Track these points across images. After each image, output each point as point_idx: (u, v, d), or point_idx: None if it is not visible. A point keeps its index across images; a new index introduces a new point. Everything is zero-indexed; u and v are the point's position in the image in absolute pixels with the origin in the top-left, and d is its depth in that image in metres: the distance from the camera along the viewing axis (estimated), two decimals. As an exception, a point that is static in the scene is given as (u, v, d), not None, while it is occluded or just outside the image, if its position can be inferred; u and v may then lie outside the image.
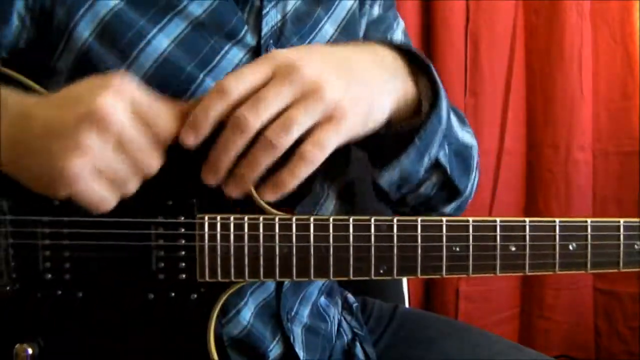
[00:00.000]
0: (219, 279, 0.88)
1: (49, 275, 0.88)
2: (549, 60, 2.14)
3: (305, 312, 1.08)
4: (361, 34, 1.13)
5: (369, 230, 0.88)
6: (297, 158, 0.75)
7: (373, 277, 0.89)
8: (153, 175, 0.78)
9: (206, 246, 0.88)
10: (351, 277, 0.89)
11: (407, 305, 1.52)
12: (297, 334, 1.05)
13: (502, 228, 0.90)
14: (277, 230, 0.87)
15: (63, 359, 0.90)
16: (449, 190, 1.01)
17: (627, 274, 2.09)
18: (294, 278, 0.88)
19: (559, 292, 2.18)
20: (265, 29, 0.99)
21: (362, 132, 0.81)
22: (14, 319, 0.88)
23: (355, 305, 1.23)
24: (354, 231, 0.88)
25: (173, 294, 0.89)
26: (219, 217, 0.87)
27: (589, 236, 0.92)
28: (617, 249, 0.93)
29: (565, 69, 2.12)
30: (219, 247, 0.88)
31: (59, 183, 0.73)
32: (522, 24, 2.16)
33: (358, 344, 1.15)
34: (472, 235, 0.89)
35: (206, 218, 0.87)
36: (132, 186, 0.77)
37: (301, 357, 1.04)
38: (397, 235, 0.89)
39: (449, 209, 1.05)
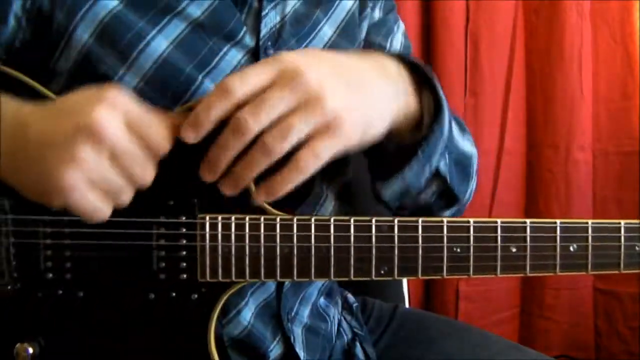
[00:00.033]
0: (220, 279, 0.88)
1: (50, 275, 0.88)
2: (549, 60, 2.14)
3: (305, 312, 1.08)
4: (362, 36, 1.13)
5: (370, 231, 0.88)
6: (291, 165, 0.76)
7: (374, 278, 0.89)
8: (147, 185, 0.78)
9: (207, 246, 0.88)
10: (352, 278, 0.89)
11: (407, 305, 1.52)
12: (298, 334, 1.05)
13: (503, 229, 0.90)
14: (278, 230, 0.87)
15: (64, 359, 0.90)
16: (448, 197, 1.01)
17: (627, 274, 2.10)
18: (295, 278, 0.88)
19: (559, 292, 2.18)
20: (264, 31, 1.00)
21: (359, 144, 0.81)
22: (14, 319, 0.89)
23: (355, 305, 1.23)
24: (355, 232, 0.88)
25: (174, 294, 0.89)
26: (220, 217, 0.87)
27: (590, 237, 0.92)
28: (618, 250, 0.93)
29: (565, 69, 2.12)
30: (220, 247, 0.88)
31: (54, 193, 0.74)
32: (522, 24, 2.16)
33: (358, 344, 1.15)
34: (473, 236, 0.90)
35: (207, 218, 0.87)
36: (127, 197, 0.78)
37: (302, 357, 1.04)
38: (398, 236, 0.89)
39: (447, 213, 1.06)
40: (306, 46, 1.04)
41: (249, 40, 0.98)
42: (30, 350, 0.87)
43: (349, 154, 0.83)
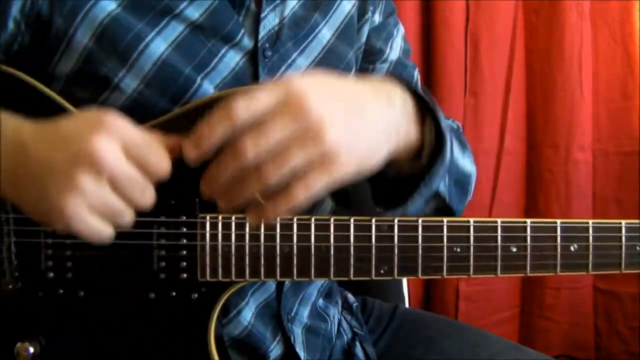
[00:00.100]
0: (220, 278, 0.88)
1: (51, 274, 0.88)
2: (549, 60, 2.14)
3: (305, 312, 1.09)
4: (363, 41, 1.13)
5: (370, 231, 0.88)
6: (283, 194, 0.75)
7: (374, 278, 0.89)
8: (148, 207, 0.79)
9: (207, 245, 0.88)
10: (352, 277, 0.89)
11: (407, 305, 1.52)
12: (298, 334, 1.06)
13: (503, 229, 0.90)
14: (278, 230, 0.87)
15: (64, 358, 0.90)
16: (445, 212, 1.02)
17: (628, 274, 2.10)
18: (295, 278, 0.89)
19: (559, 292, 2.18)
20: (262, 33, 1.00)
21: (354, 176, 0.80)
22: (15, 318, 0.89)
23: (355, 305, 1.23)
24: (354, 231, 0.88)
25: (174, 294, 0.89)
26: (220, 217, 0.87)
27: (591, 237, 0.92)
28: (619, 250, 0.93)
29: (565, 69, 2.11)
30: (220, 247, 0.88)
31: (56, 220, 0.75)
32: (522, 24, 2.16)
33: (358, 344, 1.15)
34: (473, 236, 0.90)
35: (208, 217, 0.87)
36: (128, 219, 0.78)
37: (302, 357, 1.04)
38: (398, 236, 0.89)
39: None
40: (304, 49, 1.05)
41: (247, 42, 0.99)
42: (31, 350, 0.88)
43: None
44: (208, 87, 0.95)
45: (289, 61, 1.03)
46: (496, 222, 0.90)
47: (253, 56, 0.99)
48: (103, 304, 0.89)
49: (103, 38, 0.91)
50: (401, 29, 1.21)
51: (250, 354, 1.01)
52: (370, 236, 0.89)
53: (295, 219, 0.87)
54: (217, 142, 0.74)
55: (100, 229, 0.76)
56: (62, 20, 0.90)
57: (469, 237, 0.90)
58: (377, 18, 1.15)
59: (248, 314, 0.99)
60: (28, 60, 0.92)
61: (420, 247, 0.89)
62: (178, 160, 0.79)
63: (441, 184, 0.96)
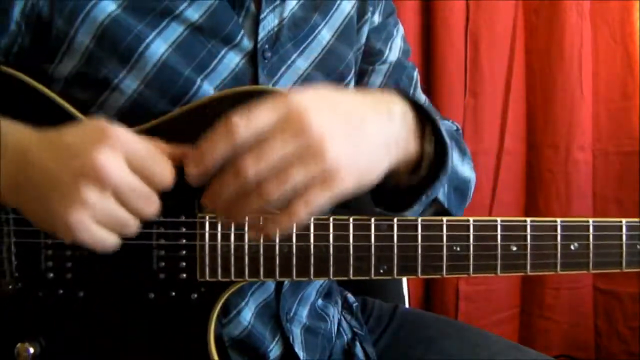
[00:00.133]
0: (220, 278, 0.89)
1: (51, 275, 0.89)
2: (549, 60, 2.14)
3: (304, 312, 1.09)
4: (363, 41, 1.13)
5: (369, 230, 0.88)
6: (284, 211, 0.76)
7: (373, 277, 0.89)
8: (154, 216, 0.79)
9: (207, 245, 0.88)
10: (351, 277, 0.89)
11: (407, 305, 1.52)
12: (297, 334, 1.06)
13: (503, 228, 0.90)
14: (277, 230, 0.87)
15: (64, 358, 0.90)
16: (444, 215, 1.01)
17: (628, 273, 2.10)
18: (294, 278, 0.89)
19: (559, 292, 2.18)
20: (261, 34, 1.00)
21: (354, 190, 0.80)
22: (15, 318, 0.89)
23: (355, 305, 1.23)
24: (354, 231, 0.88)
25: (173, 294, 0.89)
26: (219, 217, 0.87)
27: (591, 236, 0.92)
28: (620, 249, 0.94)
29: (565, 69, 2.11)
30: (219, 247, 0.88)
31: (62, 231, 0.75)
32: (522, 24, 2.16)
33: (358, 344, 1.15)
34: (473, 235, 0.90)
35: (207, 217, 0.87)
36: (133, 228, 0.79)
37: (301, 357, 1.04)
38: (397, 235, 0.89)
39: None
40: (304, 50, 1.05)
41: (247, 43, 0.99)
42: (31, 350, 0.88)
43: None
44: (208, 88, 0.95)
45: (289, 62, 1.03)
46: (496, 221, 0.90)
47: (253, 57, 0.99)
48: (103, 304, 0.89)
49: (103, 39, 0.91)
50: (401, 29, 1.21)
51: (250, 354, 1.01)
52: (370, 235, 0.89)
53: (294, 219, 0.87)
54: (218, 160, 0.73)
55: (105, 239, 0.77)
56: (63, 21, 0.90)
57: (468, 236, 0.90)
58: (376, 18, 1.15)
59: (248, 314, 0.99)
60: (28, 61, 0.92)
61: (419, 247, 0.89)
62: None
63: (440, 191, 0.96)
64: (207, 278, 0.88)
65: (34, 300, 0.89)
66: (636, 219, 0.94)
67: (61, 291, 0.89)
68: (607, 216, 0.95)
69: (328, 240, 0.88)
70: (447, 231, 0.89)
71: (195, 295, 0.90)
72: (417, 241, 0.89)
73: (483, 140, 2.12)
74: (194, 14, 0.95)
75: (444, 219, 0.90)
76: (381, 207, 0.93)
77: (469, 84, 2.11)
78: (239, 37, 0.98)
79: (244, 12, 1.00)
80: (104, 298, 0.89)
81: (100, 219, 0.75)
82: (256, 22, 1.00)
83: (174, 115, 0.90)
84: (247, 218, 0.81)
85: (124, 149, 0.75)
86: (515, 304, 2.24)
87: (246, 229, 0.88)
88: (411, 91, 1.17)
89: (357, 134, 0.78)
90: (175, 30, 0.94)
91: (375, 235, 0.89)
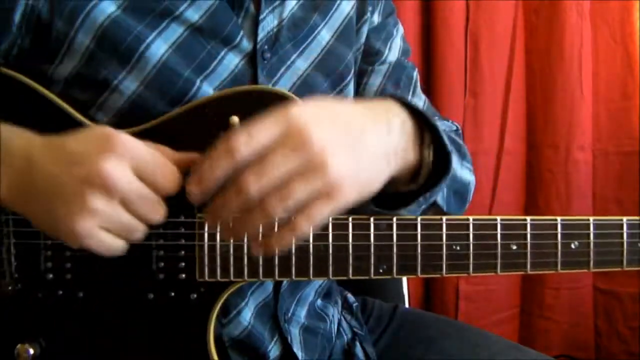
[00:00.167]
0: (219, 278, 0.88)
1: (50, 275, 0.89)
2: (549, 60, 2.13)
3: (302, 312, 1.09)
4: (362, 41, 1.13)
5: (368, 230, 0.88)
6: (287, 226, 0.76)
7: (372, 277, 0.89)
8: (160, 221, 0.80)
9: (206, 245, 0.88)
10: (350, 277, 0.89)
11: (407, 305, 1.52)
12: (295, 334, 1.06)
13: (503, 226, 0.90)
14: (276, 229, 0.87)
15: (64, 359, 0.90)
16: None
17: (627, 273, 2.10)
18: (293, 277, 0.89)
19: (559, 292, 2.18)
20: (261, 35, 1.00)
21: (354, 202, 0.80)
22: (15, 319, 0.89)
23: (355, 305, 1.23)
24: (353, 230, 0.88)
25: (173, 294, 0.89)
26: (218, 217, 0.87)
27: (592, 234, 0.92)
28: (620, 247, 0.94)
29: (565, 69, 2.11)
30: (218, 247, 0.88)
31: (69, 239, 0.76)
32: (522, 24, 2.16)
33: (358, 344, 1.15)
34: (473, 234, 0.90)
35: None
36: (140, 233, 0.79)
37: (300, 357, 1.04)
38: (397, 234, 0.89)
39: None
40: (303, 50, 1.05)
41: (247, 44, 0.99)
42: (31, 351, 0.88)
43: None
44: (207, 89, 0.95)
45: (288, 63, 1.03)
46: (496, 219, 0.90)
47: (252, 58, 0.99)
48: (102, 305, 0.89)
49: (103, 40, 0.91)
50: (400, 29, 1.21)
51: (250, 354, 1.01)
52: (369, 235, 0.89)
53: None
54: (220, 179, 0.73)
55: (112, 245, 0.77)
56: (63, 22, 0.90)
57: (468, 235, 0.90)
58: (376, 18, 1.15)
59: (248, 314, 0.99)
60: (27, 62, 0.92)
61: (419, 246, 0.89)
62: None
63: (439, 196, 0.97)
64: (206, 278, 0.88)
65: (33, 301, 0.89)
66: (637, 217, 0.94)
67: (61, 292, 0.89)
68: (608, 216, 0.95)
69: (327, 240, 0.88)
70: (446, 230, 0.89)
71: (195, 296, 0.90)
72: (416, 240, 0.89)
73: (483, 140, 2.12)
74: (193, 14, 0.95)
75: (444, 218, 0.90)
76: (376, 205, 0.93)
77: (469, 84, 2.11)
78: (238, 38, 0.98)
79: (243, 12, 1.00)
80: (104, 298, 0.89)
81: (107, 226, 0.76)
82: (255, 23, 1.00)
83: (174, 115, 0.90)
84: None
85: (130, 156, 0.75)
86: (515, 304, 2.23)
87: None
88: (411, 91, 1.16)
89: (358, 146, 0.78)
90: (175, 31, 0.94)
91: (374, 235, 0.89)
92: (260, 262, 0.88)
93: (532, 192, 2.20)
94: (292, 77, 1.03)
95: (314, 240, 0.88)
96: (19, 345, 0.88)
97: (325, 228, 0.88)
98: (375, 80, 1.14)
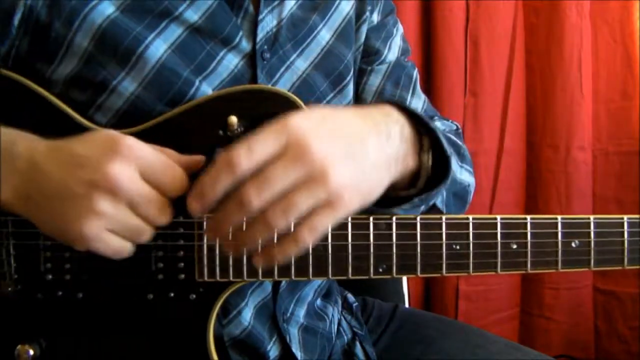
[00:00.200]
0: (218, 278, 0.88)
1: (50, 276, 0.88)
2: (549, 60, 2.14)
3: (301, 312, 1.09)
4: (362, 41, 1.13)
5: (368, 229, 0.88)
6: (290, 237, 0.76)
7: (372, 276, 0.89)
8: (167, 223, 0.80)
9: (205, 246, 0.88)
10: (350, 277, 0.89)
11: (407, 305, 1.52)
12: (294, 334, 1.05)
13: (503, 225, 0.90)
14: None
15: (64, 360, 0.90)
16: None
17: (627, 273, 2.10)
18: (293, 277, 0.88)
19: (559, 292, 2.18)
20: (260, 35, 1.00)
21: (356, 211, 0.81)
22: (15, 320, 0.89)
23: (355, 304, 1.23)
24: (352, 230, 0.88)
25: (172, 294, 0.89)
26: (217, 217, 0.87)
27: (592, 233, 0.92)
28: (621, 245, 0.93)
29: (565, 69, 2.11)
30: (217, 247, 0.88)
31: (77, 242, 0.76)
32: (522, 24, 2.16)
33: (358, 344, 1.15)
34: (473, 233, 0.89)
35: (205, 218, 0.87)
36: (148, 235, 0.80)
37: (299, 357, 1.04)
38: (396, 234, 0.89)
39: None
40: (303, 50, 1.05)
41: (246, 45, 0.99)
42: (31, 352, 0.88)
43: None
44: (207, 90, 0.95)
45: (288, 63, 1.03)
46: (496, 219, 0.90)
47: (252, 58, 0.99)
48: (102, 306, 0.89)
49: (102, 41, 0.91)
50: (400, 28, 1.21)
51: (250, 354, 1.01)
52: (368, 234, 0.88)
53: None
54: (220, 194, 0.73)
55: (120, 247, 0.78)
56: (61, 24, 0.90)
57: (468, 234, 0.89)
58: (375, 17, 1.15)
59: (248, 314, 0.99)
60: (25, 65, 0.92)
61: (419, 245, 0.89)
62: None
63: (439, 199, 0.97)
64: (206, 278, 0.88)
65: (33, 302, 0.89)
66: (637, 216, 0.94)
67: (60, 293, 0.89)
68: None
69: (327, 240, 0.88)
70: (446, 229, 0.89)
71: (194, 296, 0.89)
72: (416, 240, 0.89)
73: (483, 140, 2.12)
74: (193, 15, 0.95)
75: (443, 217, 0.89)
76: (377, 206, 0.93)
77: (469, 83, 2.11)
78: (237, 39, 0.98)
79: (242, 13, 1.00)
80: (103, 299, 0.89)
81: (114, 228, 0.76)
82: (255, 23, 1.00)
83: (172, 115, 0.90)
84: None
85: (136, 158, 0.76)
86: (515, 304, 2.23)
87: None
88: (410, 90, 1.16)
89: (358, 155, 0.78)
90: (174, 32, 0.94)
91: (374, 234, 0.88)
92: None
93: (532, 192, 2.20)
94: (291, 77, 1.03)
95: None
96: (19, 346, 0.88)
97: (325, 228, 0.88)
98: (375, 80, 1.14)
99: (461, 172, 1.05)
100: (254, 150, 0.72)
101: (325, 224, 0.75)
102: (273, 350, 1.02)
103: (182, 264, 0.89)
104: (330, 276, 0.89)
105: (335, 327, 1.16)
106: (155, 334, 0.90)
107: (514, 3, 2.13)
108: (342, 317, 1.18)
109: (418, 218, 0.89)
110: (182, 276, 0.89)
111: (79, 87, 0.92)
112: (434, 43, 2.09)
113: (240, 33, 0.98)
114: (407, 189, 0.90)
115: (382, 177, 0.82)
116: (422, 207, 0.94)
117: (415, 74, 1.19)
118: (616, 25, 2.12)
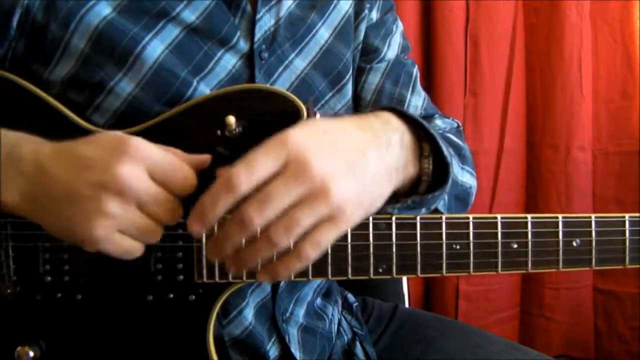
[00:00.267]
0: (217, 279, 0.88)
1: (49, 278, 0.88)
2: (549, 60, 2.14)
3: (301, 312, 1.08)
4: (361, 39, 1.13)
5: (367, 229, 0.88)
6: (293, 253, 0.76)
7: (372, 276, 0.89)
8: (176, 222, 0.80)
9: (204, 247, 0.88)
10: (350, 277, 0.89)
11: (407, 305, 1.52)
12: (293, 334, 1.05)
13: (504, 225, 0.90)
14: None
15: (64, 361, 0.90)
16: None
17: (627, 273, 2.10)
18: (292, 278, 0.88)
19: (559, 292, 2.18)
20: (258, 35, 1.00)
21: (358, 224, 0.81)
22: (15, 322, 0.89)
23: (355, 305, 1.23)
24: (352, 229, 0.88)
25: (171, 295, 0.89)
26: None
27: (593, 232, 0.92)
28: (622, 244, 0.93)
29: (565, 69, 2.11)
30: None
31: (86, 243, 0.76)
32: (522, 24, 2.16)
33: (358, 344, 1.15)
34: (473, 233, 0.89)
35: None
36: (158, 235, 0.79)
37: (298, 357, 1.04)
38: (396, 234, 0.88)
39: None
40: (302, 49, 1.05)
41: (243, 45, 0.98)
42: (31, 354, 0.87)
43: None
44: (204, 90, 0.95)
45: (286, 62, 1.03)
46: (496, 218, 0.90)
47: (250, 58, 0.99)
48: (101, 307, 0.89)
49: (99, 42, 0.90)
50: (400, 26, 1.21)
51: (251, 354, 1.00)
52: (368, 234, 0.88)
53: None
54: (221, 214, 0.73)
55: (130, 248, 0.78)
56: (57, 26, 0.90)
57: (468, 233, 0.89)
58: (374, 15, 1.15)
59: (249, 313, 0.99)
60: (22, 66, 0.92)
61: (419, 245, 0.89)
62: None
63: (440, 203, 0.97)
64: (205, 279, 0.88)
65: (32, 304, 0.89)
66: (638, 215, 0.94)
67: (59, 294, 0.89)
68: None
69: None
70: (446, 229, 0.89)
71: (194, 297, 0.89)
72: (416, 240, 0.89)
73: (483, 140, 2.12)
74: (190, 15, 0.95)
75: (443, 216, 0.89)
76: None
77: (469, 83, 2.11)
78: (235, 39, 0.97)
79: (239, 12, 0.99)
80: (102, 300, 0.89)
81: (124, 229, 0.76)
82: (252, 23, 1.00)
83: (170, 115, 0.90)
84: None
85: (144, 159, 0.75)
86: (515, 304, 2.24)
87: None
88: (410, 88, 1.16)
89: (359, 169, 0.78)
90: (171, 32, 0.94)
91: (373, 234, 0.88)
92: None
93: (532, 192, 2.20)
94: (290, 77, 1.03)
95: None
96: (19, 348, 0.87)
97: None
98: (374, 79, 1.13)
99: (462, 174, 1.05)
100: (253, 169, 0.72)
101: (328, 238, 0.75)
102: (273, 350, 1.02)
103: (181, 265, 0.88)
104: (330, 276, 0.88)
105: (336, 327, 1.15)
106: (154, 335, 0.90)
107: (514, 3, 2.13)
108: (342, 317, 1.18)
109: (418, 218, 0.89)
110: (181, 277, 0.89)
111: (77, 88, 0.92)
112: (434, 43, 2.10)
113: (238, 33, 0.98)
114: (409, 195, 0.90)
115: (383, 188, 0.82)
116: (423, 211, 0.94)
117: (416, 71, 1.19)
118: (616, 25, 2.13)
